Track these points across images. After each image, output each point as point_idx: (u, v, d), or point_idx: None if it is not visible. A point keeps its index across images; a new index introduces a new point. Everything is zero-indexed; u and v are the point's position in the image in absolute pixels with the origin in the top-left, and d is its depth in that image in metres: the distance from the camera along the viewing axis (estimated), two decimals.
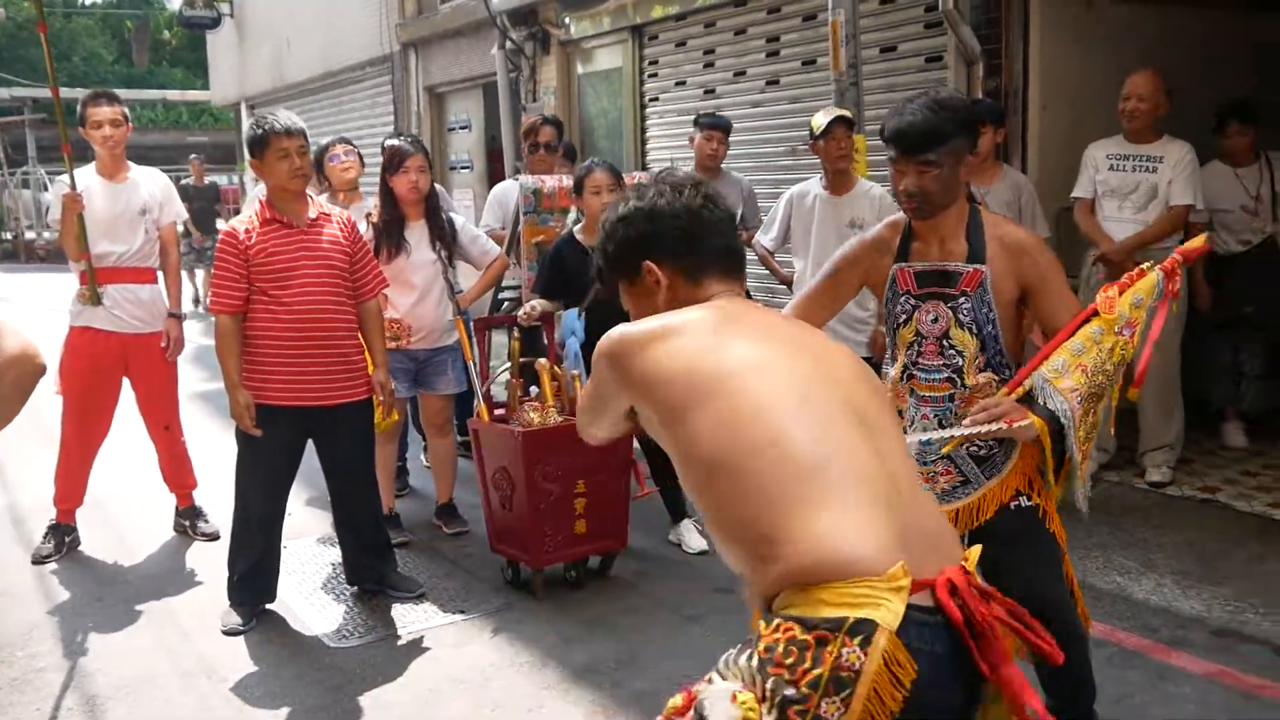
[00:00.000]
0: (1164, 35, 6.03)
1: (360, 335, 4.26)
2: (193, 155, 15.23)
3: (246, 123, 16.76)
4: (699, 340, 1.76)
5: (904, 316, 2.88)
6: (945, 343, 2.81)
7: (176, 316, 5.19)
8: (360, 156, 5.76)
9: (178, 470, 5.31)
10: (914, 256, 2.86)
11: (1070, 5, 5.85)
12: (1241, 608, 4.06)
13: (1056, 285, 2.79)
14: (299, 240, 4.11)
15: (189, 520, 5.33)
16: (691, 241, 1.94)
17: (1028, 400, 2.69)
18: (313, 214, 4.19)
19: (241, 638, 4.13)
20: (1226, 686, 3.49)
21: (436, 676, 3.77)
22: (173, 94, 31.89)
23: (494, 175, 10.74)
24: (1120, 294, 2.72)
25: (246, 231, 4.09)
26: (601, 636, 4.02)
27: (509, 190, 6.09)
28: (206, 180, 14.64)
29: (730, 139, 5.92)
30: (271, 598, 4.35)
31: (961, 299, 2.78)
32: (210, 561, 4.92)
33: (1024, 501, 2.82)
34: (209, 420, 7.40)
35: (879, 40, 6.38)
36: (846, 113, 5.10)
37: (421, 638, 4.09)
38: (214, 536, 5.21)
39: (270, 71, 15.97)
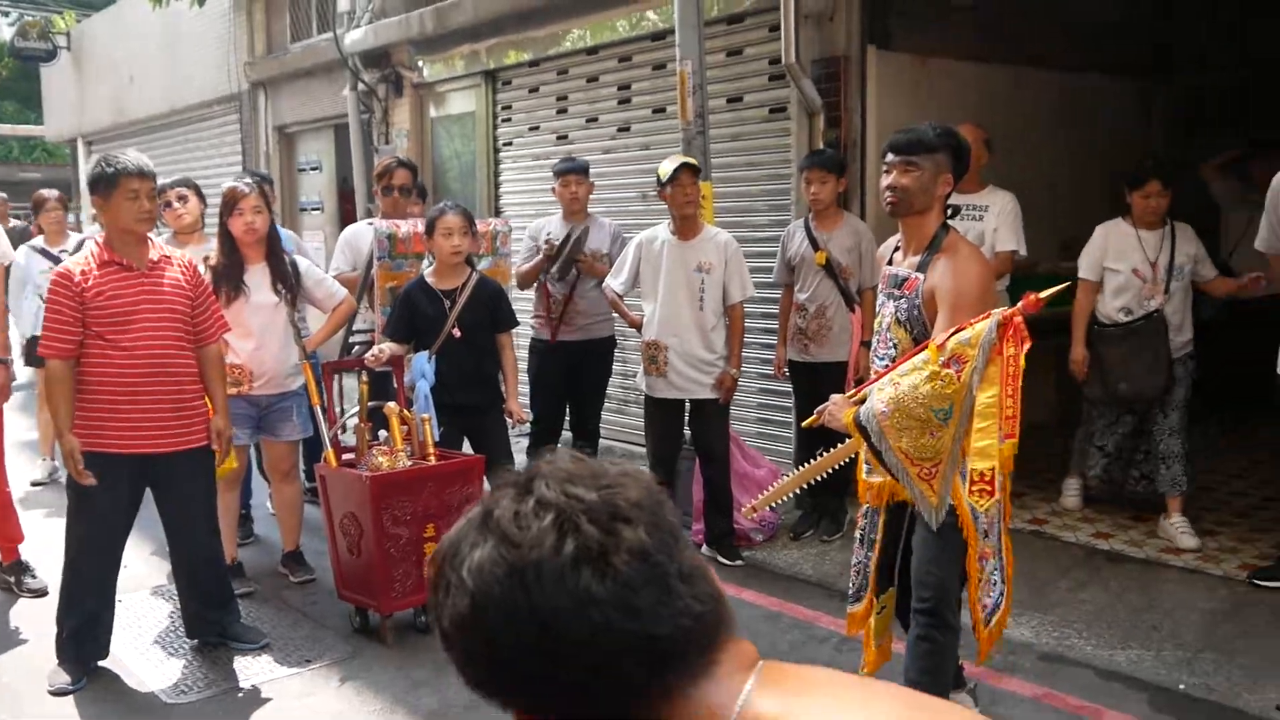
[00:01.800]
0: (986, 91, 6.42)
1: (201, 381, 4.15)
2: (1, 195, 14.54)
3: (85, 159, 16.14)
4: None
5: (878, 309, 3.39)
6: (889, 335, 3.30)
7: (3, 363, 4.96)
8: (202, 196, 5.64)
9: (2, 523, 5.05)
10: (894, 261, 3.39)
11: (904, 63, 6.16)
12: (1067, 633, 4.28)
13: (945, 306, 3.11)
14: (139, 284, 3.99)
15: (14, 575, 5.06)
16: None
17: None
18: (154, 256, 4.07)
19: (71, 697, 3.94)
20: (1054, 709, 3.68)
21: None
22: (3, 128, 30.44)
23: (345, 216, 10.59)
24: (954, 334, 2.98)
25: (83, 274, 3.94)
26: (451, 680, 3.97)
27: (361, 232, 6.03)
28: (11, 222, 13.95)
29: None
30: (104, 654, 4.16)
31: (902, 300, 3.24)
32: (37, 618, 4.68)
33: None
34: (34, 469, 7.06)
35: (726, 91, 6.57)
36: (693, 161, 5.24)
37: (264, 689, 3.98)
38: (41, 593, 4.95)
39: (110, 107, 15.43)
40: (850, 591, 3.51)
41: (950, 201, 3.33)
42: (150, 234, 4.15)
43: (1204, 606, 4.53)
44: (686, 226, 5.19)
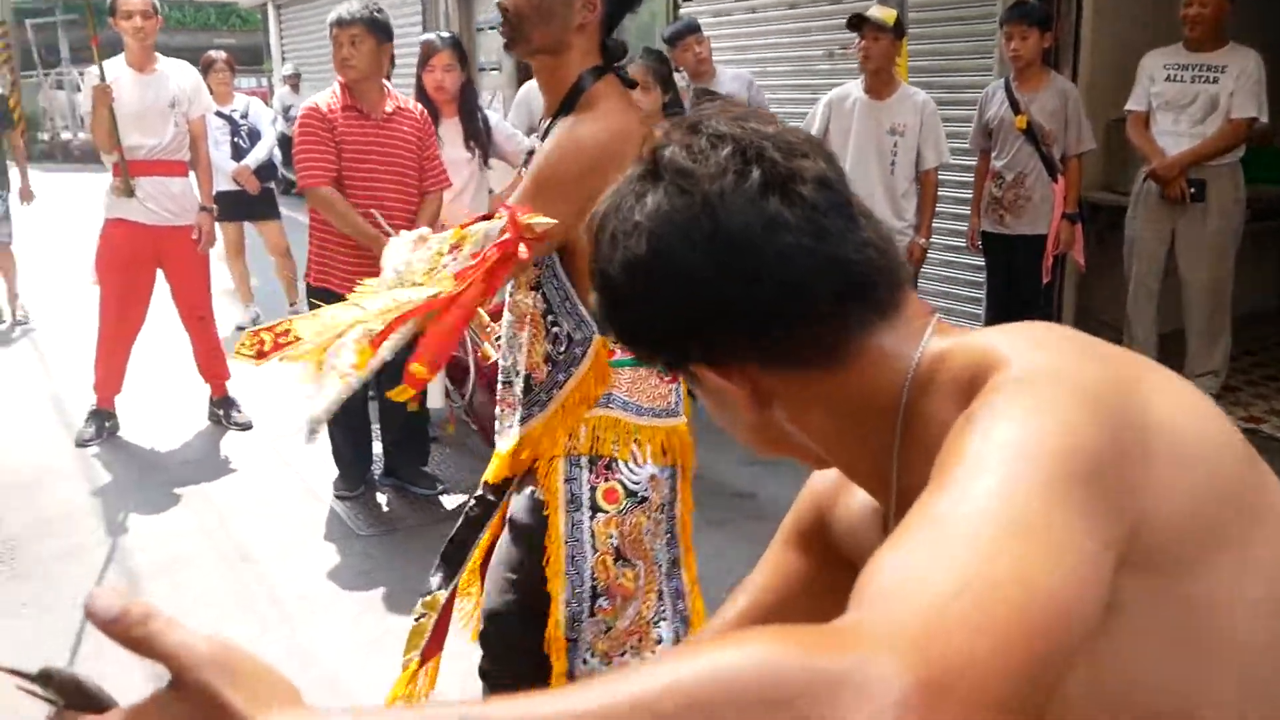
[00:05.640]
0: None
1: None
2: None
3: (275, 24, 16.57)
4: None
5: None
6: None
7: (207, 210, 5.21)
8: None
9: (212, 361, 5.37)
10: None
11: None
12: None
13: (525, 180, 2.19)
14: (374, 132, 4.11)
15: (223, 410, 5.41)
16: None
17: None
18: (389, 107, 4.18)
19: (277, 522, 4.22)
20: None
21: None
22: None
23: (522, 76, 10.59)
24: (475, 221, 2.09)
25: (330, 108, 4.10)
26: None
27: (536, 90, 6.00)
28: None
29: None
30: (362, 476, 4.48)
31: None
32: (244, 449, 5.01)
33: None
34: (237, 314, 7.47)
35: None
36: (888, 12, 4.98)
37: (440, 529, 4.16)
38: (247, 426, 5.29)
39: None
40: None
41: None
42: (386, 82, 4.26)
43: None
44: (880, 84, 4.97)
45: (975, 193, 5.36)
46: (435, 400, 2.52)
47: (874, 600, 0.58)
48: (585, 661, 2.21)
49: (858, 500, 1.05)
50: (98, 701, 0.58)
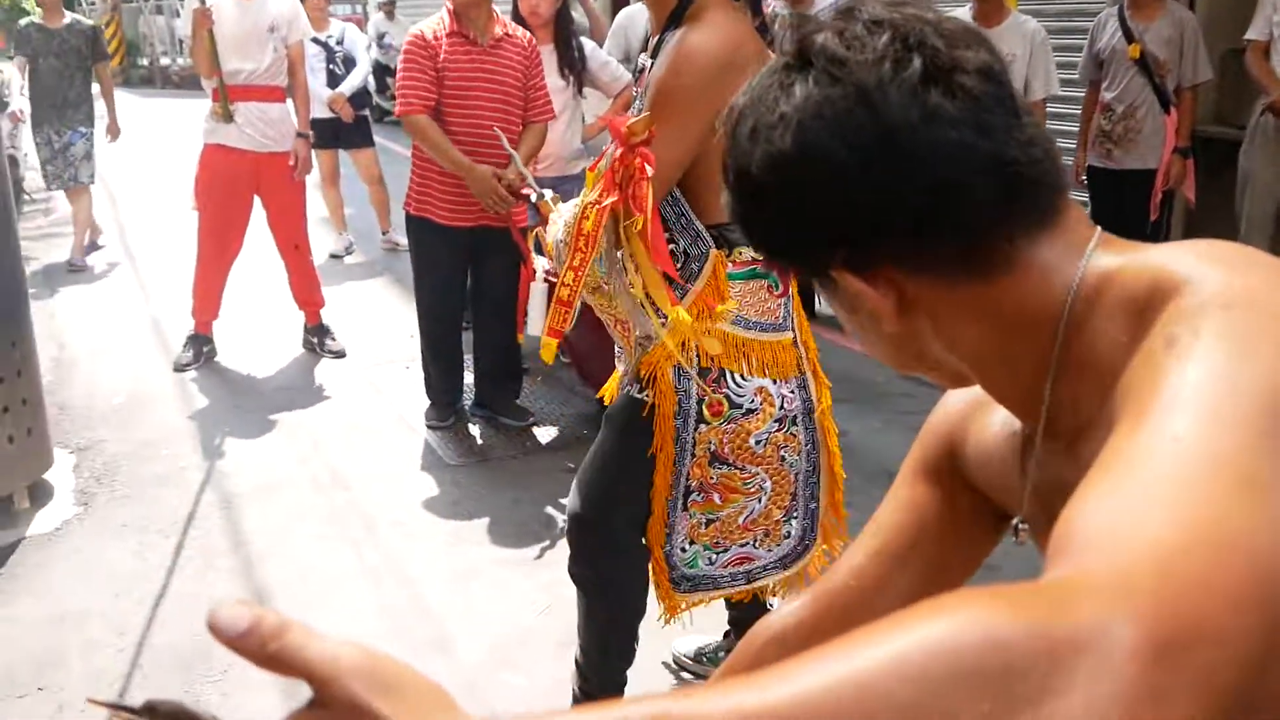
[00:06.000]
0: None
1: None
2: None
3: None
4: None
5: None
6: None
7: (304, 136, 5.24)
8: None
9: (307, 288, 5.44)
10: None
11: None
12: None
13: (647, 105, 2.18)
14: (480, 59, 4.06)
15: (317, 337, 5.49)
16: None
17: None
18: (498, 33, 4.12)
19: (369, 450, 4.28)
20: None
21: (552, 492, 3.85)
22: None
23: (616, 5, 10.43)
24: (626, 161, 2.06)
25: (435, 36, 4.06)
26: None
27: (635, 17, 5.89)
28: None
29: None
30: (453, 406, 4.53)
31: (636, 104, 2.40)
32: (337, 377, 5.09)
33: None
34: (331, 242, 7.55)
35: None
36: None
37: (532, 460, 4.19)
38: (340, 354, 5.37)
39: None
40: None
41: None
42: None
43: None
44: (989, 10, 4.77)
45: (1083, 126, 5.15)
46: (536, 328, 2.50)
47: (1085, 551, 0.53)
48: (684, 549, 2.32)
49: (992, 426, 0.99)
50: None
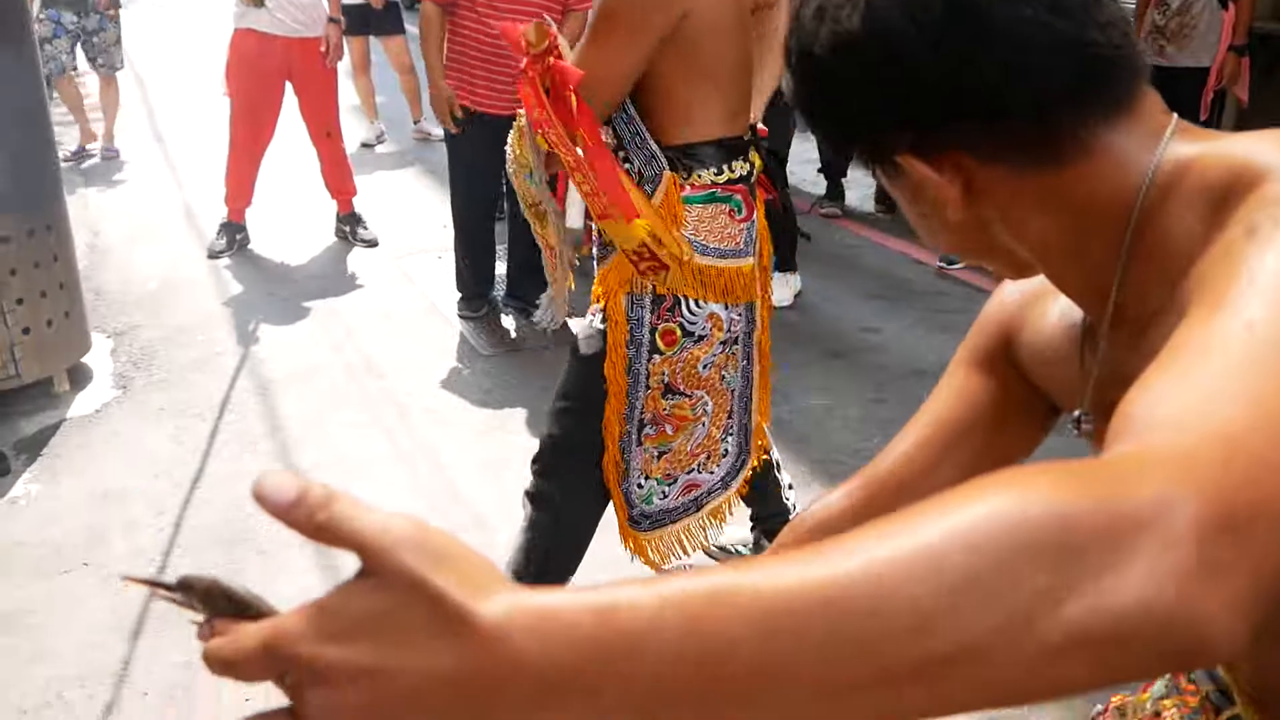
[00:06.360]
0: None
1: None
2: None
3: None
4: None
5: None
6: None
7: (336, 22, 5.15)
8: None
9: (339, 177, 5.42)
10: None
11: None
12: None
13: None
14: None
15: (349, 226, 5.48)
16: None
17: None
18: None
19: (401, 338, 4.31)
20: None
21: None
22: None
23: None
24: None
25: None
26: None
27: None
28: None
29: None
30: (485, 296, 4.55)
31: None
32: (370, 266, 5.10)
33: None
34: (363, 130, 7.49)
35: None
36: None
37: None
38: (373, 243, 5.36)
39: None
40: None
41: None
42: None
43: None
44: None
45: (1136, 21, 4.98)
46: (575, 220, 2.46)
47: (1150, 430, 0.52)
48: (640, 485, 2.31)
49: (1049, 318, 0.97)
50: (246, 605, 0.50)
